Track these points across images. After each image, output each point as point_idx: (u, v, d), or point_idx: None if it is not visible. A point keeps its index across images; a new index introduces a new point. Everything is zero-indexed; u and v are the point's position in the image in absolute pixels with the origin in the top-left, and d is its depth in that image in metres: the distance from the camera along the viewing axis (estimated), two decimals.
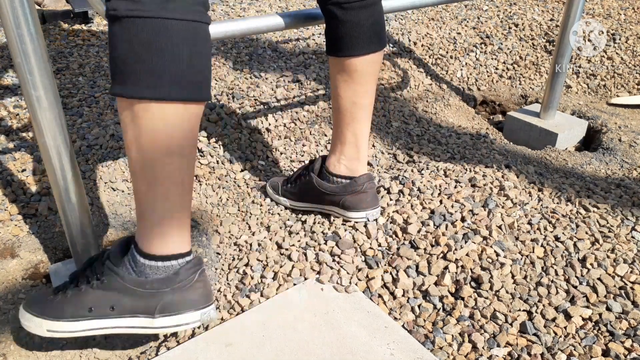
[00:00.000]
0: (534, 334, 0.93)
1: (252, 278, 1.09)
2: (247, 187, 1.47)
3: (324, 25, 1.12)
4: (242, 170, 1.53)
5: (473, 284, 1.03)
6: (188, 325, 0.82)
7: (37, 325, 0.84)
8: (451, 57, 2.35)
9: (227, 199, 1.42)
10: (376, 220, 1.21)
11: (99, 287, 0.83)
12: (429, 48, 2.38)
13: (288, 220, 1.30)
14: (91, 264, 0.88)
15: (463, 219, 1.19)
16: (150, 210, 0.80)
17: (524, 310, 0.97)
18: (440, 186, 1.32)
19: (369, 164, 1.61)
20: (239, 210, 1.38)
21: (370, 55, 1.07)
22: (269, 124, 1.72)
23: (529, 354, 0.89)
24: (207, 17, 0.76)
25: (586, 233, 1.15)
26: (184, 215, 0.82)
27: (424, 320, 0.98)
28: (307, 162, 1.56)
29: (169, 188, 0.78)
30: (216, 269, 1.17)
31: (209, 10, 0.78)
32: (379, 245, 1.14)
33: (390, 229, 1.18)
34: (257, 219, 1.33)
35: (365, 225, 1.19)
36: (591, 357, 0.88)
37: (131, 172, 0.79)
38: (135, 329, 0.84)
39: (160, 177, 0.77)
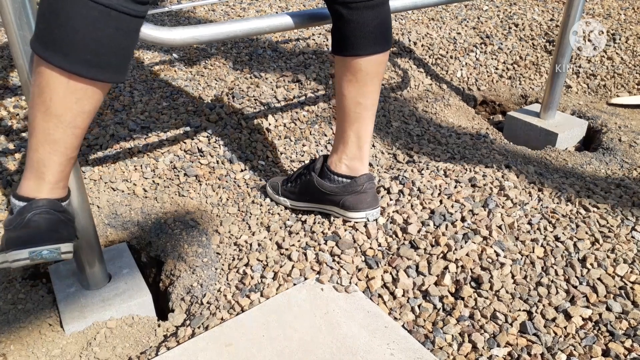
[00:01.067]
0: (534, 334, 0.93)
1: (252, 278, 1.09)
2: (247, 187, 1.47)
3: (326, 25, 1.12)
4: (242, 170, 1.53)
5: (473, 284, 1.03)
6: (17, 262, 0.81)
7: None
8: (451, 57, 2.35)
9: (227, 199, 1.42)
10: (376, 220, 1.21)
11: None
12: (429, 48, 2.38)
13: (288, 220, 1.30)
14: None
15: (463, 219, 1.19)
16: (28, 154, 0.85)
17: (524, 310, 0.97)
18: (440, 186, 1.32)
19: (369, 164, 1.61)
20: (239, 210, 1.38)
21: (375, 56, 1.07)
22: (269, 124, 1.72)
23: (529, 354, 0.89)
24: (132, 9, 0.78)
25: (586, 233, 1.15)
26: (47, 172, 0.85)
27: (424, 320, 0.98)
28: (307, 162, 1.56)
29: (41, 143, 0.82)
30: (216, 269, 1.17)
31: (143, 3, 0.80)
32: (379, 245, 1.14)
33: (390, 229, 1.18)
34: (257, 219, 1.33)
35: (365, 225, 1.19)
36: (591, 357, 0.88)
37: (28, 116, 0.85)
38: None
39: (37, 131, 0.82)
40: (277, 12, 2.65)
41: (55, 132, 0.82)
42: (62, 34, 0.75)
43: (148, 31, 0.95)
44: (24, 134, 1.60)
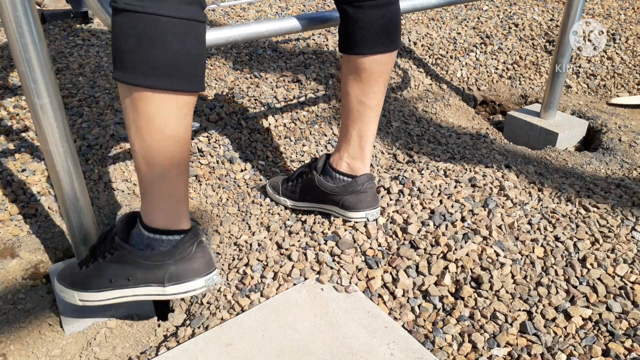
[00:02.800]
0: (534, 334, 0.93)
1: (252, 278, 1.09)
2: (247, 187, 1.47)
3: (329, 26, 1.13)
4: (242, 170, 1.53)
5: (473, 284, 1.03)
6: (195, 291, 0.90)
7: (71, 296, 0.94)
8: (451, 57, 2.35)
9: (227, 199, 1.42)
10: (376, 220, 1.21)
11: (113, 261, 0.91)
12: (429, 48, 2.38)
13: (288, 220, 1.30)
14: (104, 238, 0.95)
15: (463, 219, 1.19)
16: (150, 188, 0.88)
17: (524, 310, 0.97)
18: (440, 186, 1.32)
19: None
20: (239, 210, 1.38)
21: (380, 56, 1.07)
22: (269, 124, 1.72)
23: (529, 354, 0.89)
24: (202, 16, 0.81)
25: (586, 233, 1.15)
26: (181, 194, 0.90)
27: (424, 320, 0.98)
28: (307, 161, 1.56)
29: (166, 168, 0.85)
30: (215, 268, 1.17)
31: (205, 8, 0.83)
32: (379, 245, 1.14)
33: (390, 229, 1.18)
34: (257, 219, 1.33)
35: (365, 225, 1.19)
36: (591, 357, 0.88)
37: (132, 151, 0.86)
38: (151, 296, 0.92)
39: (158, 159, 0.84)
40: (277, 12, 2.64)
41: (175, 152, 0.85)
42: (160, 58, 0.77)
43: None
44: (23, 134, 1.60)
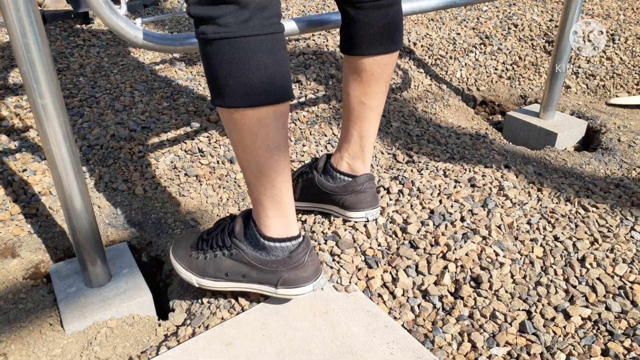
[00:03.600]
0: (534, 334, 0.93)
1: None
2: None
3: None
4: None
5: (472, 283, 1.03)
6: (303, 294, 0.97)
7: (189, 278, 1.02)
8: (451, 58, 2.35)
9: (228, 199, 1.42)
10: (376, 220, 1.21)
11: (231, 258, 0.99)
12: (428, 48, 2.38)
13: None
14: (223, 229, 1.02)
15: (462, 219, 1.19)
16: (263, 198, 0.93)
17: (523, 310, 0.98)
18: (439, 186, 1.32)
19: None
20: (239, 210, 1.38)
21: (380, 56, 1.07)
22: None
23: (529, 354, 0.89)
24: (282, 26, 0.85)
25: (585, 233, 1.15)
26: (290, 200, 0.95)
27: (424, 320, 0.98)
28: (307, 161, 1.56)
29: (274, 177, 0.91)
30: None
31: (281, 17, 0.86)
32: (379, 245, 1.14)
33: (390, 229, 1.18)
34: None
35: (365, 225, 1.19)
36: (590, 356, 0.88)
37: (241, 167, 0.93)
38: (263, 292, 1.00)
39: (265, 170, 0.90)
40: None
41: (279, 160, 0.90)
42: (256, 77, 0.82)
43: (156, 39, 1.02)
44: (24, 134, 1.60)
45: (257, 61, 0.81)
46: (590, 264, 1.06)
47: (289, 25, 1.19)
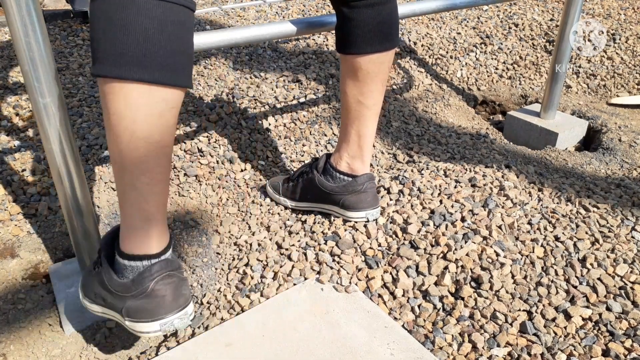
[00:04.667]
0: (534, 334, 0.93)
1: (252, 278, 1.09)
2: (247, 187, 1.47)
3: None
4: (242, 170, 1.53)
5: (473, 284, 1.03)
6: (148, 334, 0.79)
7: (79, 297, 0.89)
8: (451, 57, 2.35)
9: (227, 199, 1.42)
10: (376, 220, 1.21)
11: (97, 277, 0.84)
12: (429, 48, 2.38)
13: (288, 220, 1.30)
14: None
15: (463, 219, 1.19)
16: (122, 200, 0.78)
17: (524, 310, 0.97)
18: (440, 186, 1.32)
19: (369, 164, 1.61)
20: (239, 210, 1.38)
21: (376, 55, 1.07)
22: (269, 124, 1.72)
23: (529, 354, 0.89)
24: (188, 1, 0.73)
25: (586, 233, 1.15)
26: (156, 211, 0.78)
27: (424, 320, 0.98)
28: (307, 161, 1.56)
29: (135, 176, 0.75)
30: (216, 269, 1.17)
31: None
32: (379, 245, 1.14)
33: (390, 229, 1.18)
34: (257, 219, 1.33)
35: (365, 225, 1.19)
36: (591, 357, 0.88)
37: (110, 157, 0.77)
38: (120, 322, 0.83)
39: (127, 164, 0.74)
40: (277, 12, 2.64)
41: (147, 158, 0.74)
42: (133, 45, 0.68)
43: None
44: (23, 134, 1.60)
45: (137, 25, 0.68)
46: (591, 264, 1.05)
47: (286, 27, 1.18)
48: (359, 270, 1.08)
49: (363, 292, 1.04)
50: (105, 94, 0.71)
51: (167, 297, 0.78)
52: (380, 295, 1.03)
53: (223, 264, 1.18)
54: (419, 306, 1.01)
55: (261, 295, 1.04)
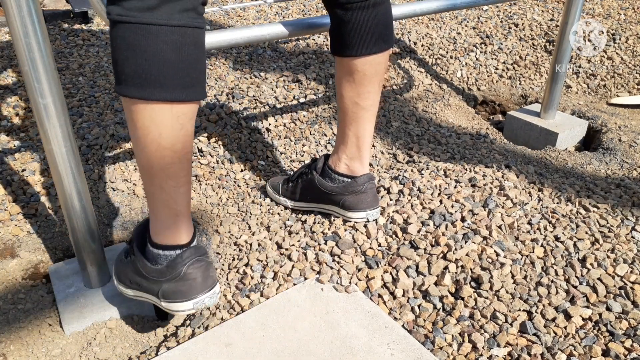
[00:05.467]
0: (534, 334, 0.93)
1: (252, 278, 1.09)
2: (247, 187, 1.47)
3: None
4: (242, 170, 1.53)
5: (473, 284, 1.03)
6: (183, 312, 0.90)
7: (116, 285, 0.99)
8: (451, 57, 2.35)
9: (227, 199, 1.42)
10: (376, 220, 1.21)
11: (130, 264, 0.94)
12: (429, 48, 2.38)
13: (288, 220, 1.30)
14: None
15: (463, 219, 1.19)
16: (152, 200, 0.88)
17: (524, 310, 0.97)
18: (440, 186, 1.32)
19: (369, 164, 1.61)
20: (239, 210, 1.38)
21: (372, 56, 1.07)
22: (269, 124, 1.72)
23: (529, 354, 0.89)
24: (200, 22, 0.79)
25: (586, 233, 1.15)
26: (182, 208, 0.89)
27: (424, 320, 0.98)
28: (307, 161, 1.56)
29: (163, 180, 0.85)
30: (216, 269, 1.17)
31: (203, 14, 0.81)
32: (379, 245, 1.14)
33: (390, 229, 1.18)
34: (257, 219, 1.33)
35: (365, 225, 1.19)
36: (591, 357, 0.88)
37: (136, 160, 0.87)
38: (155, 303, 0.94)
39: (155, 169, 0.83)
40: (277, 12, 2.64)
41: (172, 164, 0.83)
42: (153, 69, 0.76)
43: None
44: (23, 134, 1.60)
45: (156, 52, 0.75)
46: (591, 264, 1.05)
47: (277, 29, 1.18)
48: (359, 270, 1.08)
49: (363, 292, 1.04)
50: (131, 112, 0.80)
51: (197, 279, 0.89)
52: (380, 295, 1.03)
53: (223, 264, 1.18)
54: (419, 306, 1.01)
55: (261, 295, 1.04)
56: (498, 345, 0.91)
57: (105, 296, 1.06)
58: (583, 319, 0.95)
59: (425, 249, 1.10)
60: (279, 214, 1.34)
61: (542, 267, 1.06)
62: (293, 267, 1.10)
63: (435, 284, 1.04)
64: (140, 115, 0.79)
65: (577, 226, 1.17)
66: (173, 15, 0.76)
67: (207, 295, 0.90)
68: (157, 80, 0.77)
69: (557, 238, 1.13)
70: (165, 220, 0.88)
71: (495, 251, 1.08)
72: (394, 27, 2.42)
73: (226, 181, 1.48)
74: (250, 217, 1.34)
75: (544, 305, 0.97)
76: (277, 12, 2.64)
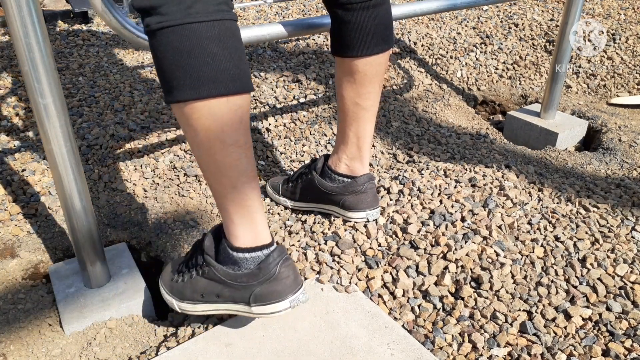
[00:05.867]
0: (534, 334, 0.93)
1: None
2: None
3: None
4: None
5: (473, 284, 1.03)
6: (280, 312, 0.88)
7: (171, 303, 0.97)
8: (451, 57, 2.35)
9: None
10: (376, 220, 1.21)
11: (204, 277, 0.92)
12: (429, 48, 2.38)
13: (288, 220, 1.30)
14: (196, 249, 0.96)
15: (463, 219, 1.19)
16: (226, 202, 0.87)
17: (524, 310, 0.97)
18: (440, 186, 1.32)
19: (369, 164, 1.61)
20: None
21: (372, 57, 1.06)
22: (269, 124, 1.72)
23: (529, 354, 0.89)
24: (232, 14, 0.80)
25: (586, 233, 1.15)
26: (256, 204, 0.88)
27: (424, 320, 0.98)
28: (307, 162, 1.56)
29: (235, 178, 0.84)
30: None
31: (233, 8, 0.82)
32: (379, 245, 1.14)
33: (390, 229, 1.18)
34: None
35: (365, 225, 1.19)
36: (591, 357, 0.88)
37: (201, 170, 0.86)
38: (239, 312, 0.92)
39: (224, 169, 0.83)
40: (276, 12, 2.64)
41: (239, 158, 0.83)
42: (204, 66, 0.76)
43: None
44: (23, 134, 1.60)
45: (203, 49, 0.76)
46: (591, 264, 1.05)
47: (277, 29, 1.18)
48: (359, 270, 1.08)
49: (363, 292, 1.04)
50: (189, 116, 0.79)
51: (290, 277, 0.88)
52: (380, 295, 1.03)
53: None
54: (419, 306, 1.01)
55: None
56: (498, 345, 0.91)
57: (105, 296, 1.06)
58: (583, 319, 0.95)
59: (425, 249, 1.10)
60: (279, 214, 1.34)
61: (542, 267, 1.06)
62: None
63: (435, 284, 1.04)
64: (199, 114, 0.78)
65: (577, 226, 1.17)
66: (210, 11, 0.76)
67: (299, 292, 0.89)
68: (210, 76, 0.76)
69: (557, 238, 1.13)
70: (243, 220, 0.87)
71: (495, 251, 1.08)
72: (393, 27, 2.42)
73: None
74: None
75: (544, 305, 0.97)
76: (277, 12, 2.64)
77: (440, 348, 0.92)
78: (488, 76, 2.33)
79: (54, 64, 0.87)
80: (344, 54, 1.07)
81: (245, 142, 0.83)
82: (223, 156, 0.82)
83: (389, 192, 1.32)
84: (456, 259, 1.07)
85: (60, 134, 0.91)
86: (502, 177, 1.39)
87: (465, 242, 1.11)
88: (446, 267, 1.06)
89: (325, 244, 1.15)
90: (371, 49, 1.06)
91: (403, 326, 0.97)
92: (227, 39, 0.78)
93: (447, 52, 2.37)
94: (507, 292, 1.01)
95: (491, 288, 1.01)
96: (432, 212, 1.21)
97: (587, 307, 0.97)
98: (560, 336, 0.92)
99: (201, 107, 0.78)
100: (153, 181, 1.45)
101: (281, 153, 1.63)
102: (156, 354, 0.94)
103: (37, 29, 0.82)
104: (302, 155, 1.62)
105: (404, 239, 1.14)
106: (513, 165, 1.52)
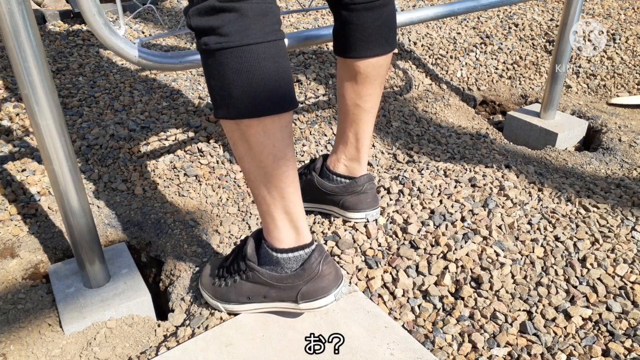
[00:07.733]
0: (534, 334, 0.92)
1: None
2: (247, 187, 1.47)
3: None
4: (242, 170, 1.53)
5: (473, 284, 1.03)
6: (326, 305, 0.94)
7: (216, 306, 1.02)
8: (451, 57, 2.35)
9: (227, 199, 1.42)
10: (376, 220, 1.21)
11: (249, 281, 0.96)
12: (429, 48, 2.38)
13: None
14: (237, 254, 1.00)
15: (463, 219, 1.19)
16: (273, 210, 0.91)
17: (524, 310, 0.97)
18: (440, 186, 1.32)
19: (369, 164, 1.61)
20: (239, 210, 1.38)
21: (375, 59, 1.06)
22: None
23: (529, 354, 0.89)
24: (282, 33, 0.83)
25: (586, 233, 1.15)
26: (300, 210, 0.93)
27: (424, 320, 0.98)
28: (307, 162, 1.56)
29: (283, 189, 0.89)
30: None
31: (281, 25, 0.84)
32: (379, 245, 1.14)
33: (390, 229, 1.18)
34: (257, 218, 1.33)
35: (365, 226, 1.19)
36: (591, 357, 0.88)
37: (248, 180, 0.91)
38: (286, 309, 0.97)
39: (275, 181, 0.88)
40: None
41: (287, 171, 0.88)
42: (261, 86, 0.79)
43: (155, 58, 1.04)
44: (23, 134, 1.60)
45: (261, 69, 0.79)
46: (591, 264, 1.05)
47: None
48: (359, 270, 1.08)
49: (363, 292, 1.04)
50: (243, 132, 0.83)
51: (332, 273, 0.93)
52: (380, 295, 1.03)
53: None
54: (419, 306, 1.01)
55: None
56: (498, 345, 0.91)
57: (105, 296, 1.06)
58: (583, 319, 0.95)
59: (425, 249, 1.10)
60: None
61: (542, 267, 1.06)
62: None
63: (435, 284, 1.04)
64: (254, 131, 0.82)
65: (577, 226, 1.17)
66: (265, 31, 0.79)
67: (342, 285, 0.94)
68: (266, 96, 0.80)
69: (557, 238, 1.13)
70: (287, 225, 0.92)
71: (495, 251, 1.08)
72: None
73: (226, 181, 1.48)
74: (250, 217, 1.34)
75: (544, 305, 0.97)
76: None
77: (440, 348, 0.92)
78: (488, 76, 2.33)
79: (49, 70, 0.88)
80: (346, 54, 1.07)
81: (292, 155, 0.88)
82: (274, 169, 0.86)
83: (389, 192, 1.32)
84: (456, 259, 1.07)
85: (54, 135, 0.91)
86: (502, 177, 1.39)
87: (465, 242, 1.11)
88: (446, 267, 1.06)
89: (325, 244, 1.15)
90: (373, 51, 1.05)
91: (403, 326, 0.97)
92: (280, 59, 0.81)
93: (447, 52, 2.37)
94: (507, 292, 1.01)
95: (491, 288, 1.01)
96: (432, 212, 1.21)
97: (587, 307, 0.97)
98: (560, 336, 0.92)
99: (257, 125, 0.82)
100: (153, 181, 1.45)
101: None
102: (156, 354, 0.94)
103: (31, 37, 0.82)
104: (302, 155, 1.62)
105: (404, 239, 1.14)
106: (513, 165, 1.52)
